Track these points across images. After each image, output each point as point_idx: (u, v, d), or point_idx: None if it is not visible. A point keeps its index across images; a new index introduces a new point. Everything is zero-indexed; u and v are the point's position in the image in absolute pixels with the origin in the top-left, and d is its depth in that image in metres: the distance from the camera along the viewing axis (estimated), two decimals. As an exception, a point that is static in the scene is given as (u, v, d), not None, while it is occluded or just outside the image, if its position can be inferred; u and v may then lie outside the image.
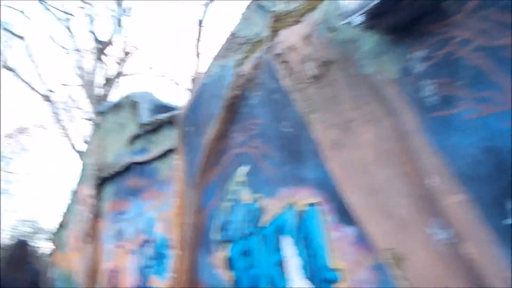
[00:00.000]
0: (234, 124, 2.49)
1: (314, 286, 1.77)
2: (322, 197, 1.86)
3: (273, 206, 2.07)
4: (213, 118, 2.64)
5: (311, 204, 1.85)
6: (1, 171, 22.18)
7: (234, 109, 2.52)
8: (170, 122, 4.17)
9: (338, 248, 1.78)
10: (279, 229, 2.00)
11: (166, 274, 3.78)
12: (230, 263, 2.36)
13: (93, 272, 5.69)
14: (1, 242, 24.10)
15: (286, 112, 2.11)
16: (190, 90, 12.64)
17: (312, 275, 1.75)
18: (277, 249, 1.99)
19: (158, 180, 4.30)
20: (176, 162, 3.19)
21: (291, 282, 1.85)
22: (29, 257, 4.78)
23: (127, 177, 5.14)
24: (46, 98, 14.92)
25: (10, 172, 22.89)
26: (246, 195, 2.29)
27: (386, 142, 1.67)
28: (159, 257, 3.97)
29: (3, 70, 17.79)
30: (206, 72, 3.18)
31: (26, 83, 16.05)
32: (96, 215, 6.01)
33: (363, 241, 1.73)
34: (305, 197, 1.91)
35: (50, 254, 15.23)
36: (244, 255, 2.23)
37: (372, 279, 1.66)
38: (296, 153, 1.98)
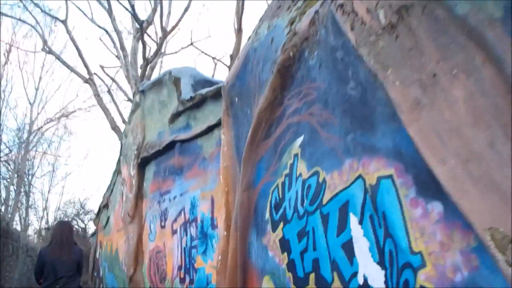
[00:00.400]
0: (288, 90, 2.23)
1: (390, 272, 1.50)
2: (398, 168, 1.57)
3: (336, 181, 1.81)
4: (263, 85, 2.39)
5: (384, 177, 1.57)
6: (47, 154, 23.15)
7: (288, 73, 2.25)
8: (214, 97, 3.97)
9: (419, 227, 1.50)
10: (344, 207, 1.74)
11: (212, 254, 3.64)
12: (285, 245, 2.13)
13: (136, 253, 5.69)
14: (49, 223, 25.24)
15: (352, 71, 1.83)
16: (229, 67, 12.44)
17: (387, 260, 1.49)
18: (342, 230, 1.74)
19: (202, 157, 4.14)
20: (222, 137, 2.97)
21: (360, 268, 1.60)
22: (73, 238, 4.85)
23: (170, 156, 5.03)
24: (88, 81, 15.22)
25: (56, 156, 23.85)
26: (303, 169, 2.04)
27: (485, 98, 1.37)
28: (204, 237, 3.84)
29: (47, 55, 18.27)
30: (252, 37, 2.92)
31: (68, 66, 16.46)
32: (139, 195, 5.98)
33: (452, 219, 1.44)
34: (376, 169, 1.63)
35: (94, 235, 15.77)
36: (300, 236, 1.99)
37: (465, 265, 1.38)
38: (364, 119, 1.70)
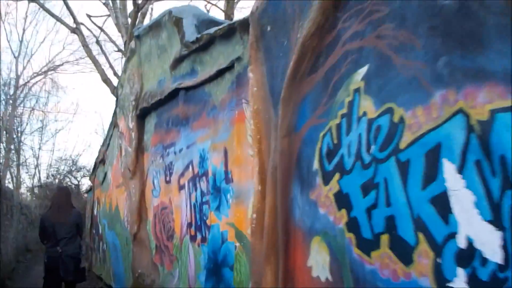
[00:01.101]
0: (344, 9, 1.84)
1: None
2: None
3: (420, 119, 1.49)
4: (307, 7, 1.99)
5: (501, 109, 1.24)
6: (36, 110, 22.63)
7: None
8: (224, 36, 3.59)
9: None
10: (433, 151, 1.42)
11: (227, 211, 3.42)
12: (342, 201, 1.83)
13: (139, 209, 5.50)
14: (41, 181, 25.16)
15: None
16: (225, 11, 11.83)
17: (506, 218, 1.18)
18: (430, 180, 1.43)
19: (211, 105, 3.82)
20: (250, 76, 2.60)
21: (461, 227, 1.31)
22: (71, 201, 5.57)
23: (173, 105, 4.71)
24: (75, 30, 14.53)
25: (46, 112, 23.35)
26: (369, 107, 1.71)
27: None
28: (217, 192, 3.60)
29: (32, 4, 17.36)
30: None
31: (53, 15, 15.66)
32: (139, 149, 5.71)
33: None
34: (488, 100, 1.29)
35: (89, 191, 15.69)
36: (366, 189, 1.69)
37: None
38: (467, 35, 1.35)
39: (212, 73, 3.76)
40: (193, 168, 4.16)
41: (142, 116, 5.68)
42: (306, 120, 1.96)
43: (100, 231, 9.33)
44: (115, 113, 7.02)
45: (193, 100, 4.21)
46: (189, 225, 4.16)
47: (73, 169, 30.00)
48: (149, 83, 5.41)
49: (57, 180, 28.81)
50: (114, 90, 13.70)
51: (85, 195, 30.74)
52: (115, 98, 13.69)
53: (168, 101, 4.83)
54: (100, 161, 9.26)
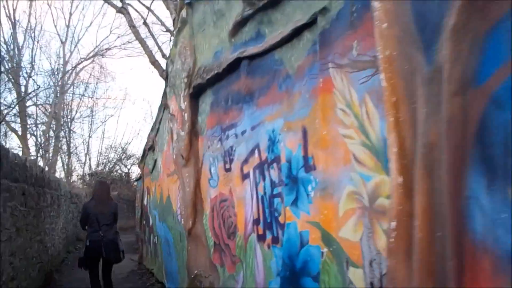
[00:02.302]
0: None
1: None
2: None
3: None
4: None
5: None
6: (85, 97, 23.10)
7: None
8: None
9: None
10: None
11: (308, 206, 2.82)
12: None
13: (194, 202, 5.03)
14: (91, 169, 25.85)
15: None
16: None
17: None
18: None
19: (284, 75, 3.22)
20: (375, 5, 1.84)
21: None
22: (110, 193, 6.66)
23: (233, 79, 4.16)
24: (122, 10, 14.40)
25: (94, 98, 23.81)
26: None
27: None
28: (293, 182, 3.01)
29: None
30: None
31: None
32: (193, 132, 5.23)
33: None
34: None
35: (139, 179, 15.71)
36: None
37: None
38: None
39: (284, 35, 3.14)
40: (259, 154, 3.59)
41: (196, 94, 5.18)
42: (498, 66, 1.23)
43: (151, 223, 9.09)
44: (164, 93, 6.60)
45: (259, 71, 3.62)
46: (256, 221, 3.61)
47: (122, 157, 30.83)
48: (203, 56, 4.89)
49: (107, 168, 29.68)
50: (162, 73, 13.49)
51: (135, 183, 31.52)
52: (164, 80, 13.51)
53: (227, 75, 4.28)
54: (149, 148, 8.96)
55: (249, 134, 3.79)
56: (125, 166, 31.72)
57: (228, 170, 4.29)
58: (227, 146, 4.30)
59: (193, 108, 5.23)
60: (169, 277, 6.60)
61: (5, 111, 15.70)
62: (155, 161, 8.31)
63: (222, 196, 4.43)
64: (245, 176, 3.88)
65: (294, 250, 2.98)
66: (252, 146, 3.72)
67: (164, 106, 6.82)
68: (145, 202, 10.65)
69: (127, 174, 31.98)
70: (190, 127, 5.19)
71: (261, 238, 3.51)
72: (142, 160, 10.63)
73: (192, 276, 4.88)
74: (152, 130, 8.53)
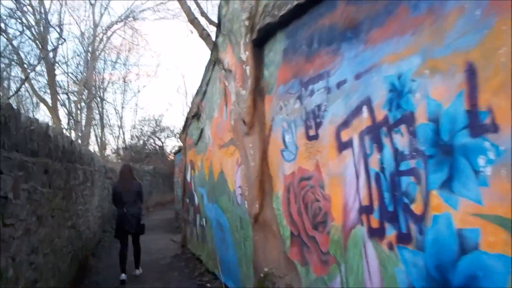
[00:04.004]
0: None
1: None
2: None
3: None
4: None
5: None
6: (117, 64, 22.57)
7: None
8: None
9: None
10: None
11: (478, 191, 1.86)
12: None
13: (261, 180, 4.16)
14: (126, 142, 25.67)
15: None
16: None
17: None
18: None
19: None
20: None
21: None
22: (133, 175, 7.69)
23: (324, 10, 3.18)
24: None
25: (127, 66, 23.28)
26: None
27: None
28: (443, 152, 2.05)
29: None
30: None
31: None
32: (257, 91, 4.31)
33: None
34: None
35: (178, 152, 15.05)
36: None
37: None
38: None
39: None
40: (371, 112, 2.63)
41: (260, 41, 4.24)
42: None
43: (197, 202, 8.37)
44: (215, 46, 5.67)
45: (369, -8, 2.62)
46: (366, 209, 2.68)
47: (156, 129, 30.64)
48: (271, -11, 3.91)
49: (141, 142, 29.57)
50: (203, 32, 12.60)
51: (171, 157, 31.41)
52: (203, 37, 12.54)
53: (311, 6, 3.30)
54: (194, 116, 8.14)
55: (352, 85, 2.82)
56: (159, 139, 31.63)
57: (313, 137, 3.36)
58: (312, 105, 3.36)
59: (257, 58, 4.30)
60: (225, 269, 5.83)
61: (29, 70, 15.28)
62: (201, 130, 7.48)
63: (303, 173, 3.52)
64: (344, 146, 2.94)
65: (447, 257, 2.04)
66: (357, 101, 2.76)
67: (214, 62, 5.92)
68: (188, 178, 9.94)
69: (162, 147, 31.93)
70: (254, 84, 4.27)
71: (376, 233, 2.59)
72: (184, 130, 9.86)
73: (262, 275, 4.05)
74: (197, 94, 7.67)
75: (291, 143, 3.73)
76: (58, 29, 16.04)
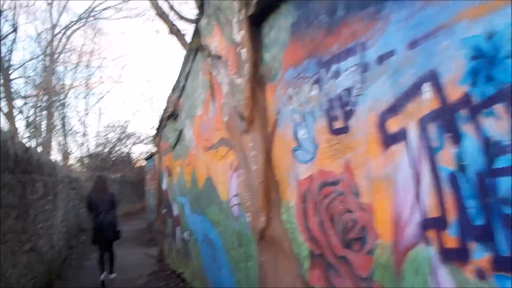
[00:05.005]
0: None
1: None
2: None
3: None
4: None
5: None
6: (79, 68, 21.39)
7: None
8: None
9: None
10: None
11: None
12: None
13: (267, 187, 3.45)
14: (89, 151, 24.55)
15: None
16: None
17: None
18: None
19: None
20: None
21: None
22: (107, 185, 8.46)
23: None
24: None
25: (88, 65, 22.14)
26: None
27: None
28: None
29: None
30: None
31: None
32: (256, 79, 3.61)
33: None
34: None
35: (149, 158, 14.18)
36: None
37: None
38: None
39: None
40: (438, 91, 1.96)
41: (257, 18, 3.54)
42: None
43: (176, 213, 7.58)
44: (196, 31, 4.93)
45: None
46: (433, 223, 2.01)
47: (122, 136, 29.55)
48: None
49: (107, 149, 28.41)
50: (173, 27, 11.82)
51: (138, 164, 30.27)
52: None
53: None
54: (169, 116, 7.36)
55: (404, 58, 2.15)
56: (126, 146, 30.57)
57: (340, 131, 2.68)
58: (337, 89, 2.68)
59: (255, 40, 3.59)
60: (218, 292, 5.08)
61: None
62: (180, 132, 6.72)
63: (326, 176, 2.84)
64: (392, 139, 2.26)
65: None
66: (414, 78, 2.09)
67: (195, 51, 5.17)
68: (163, 186, 9.13)
69: (128, 154, 30.85)
70: (253, 70, 3.56)
71: (454, 256, 1.92)
72: (158, 134, 9.07)
73: (274, 305, 3.34)
74: (173, 91, 6.90)
75: (307, 140, 3.04)
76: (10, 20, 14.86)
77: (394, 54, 2.21)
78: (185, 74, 5.89)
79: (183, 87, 6.10)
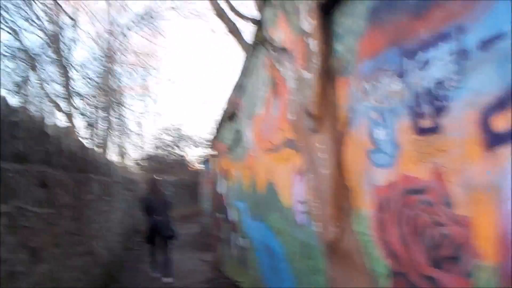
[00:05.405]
0: None
1: None
2: None
3: None
4: None
5: None
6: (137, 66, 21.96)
7: None
8: None
9: None
10: None
11: None
12: None
13: (337, 192, 3.19)
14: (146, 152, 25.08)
15: None
16: None
17: None
18: None
19: None
20: None
21: None
22: (161, 187, 9.15)
23: None
24: None
25: (147, 66, 22.65)
26: None
27: None
28: None
29: None
30: None
31: None
32: (326, 73, 3.35)
33: None
34: None
35: (206, 162, 14.20)
36: None
37: None
38: None
39: None
40: None
41: (329, 5, 3.29)
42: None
43: (232, 218, 7.42)
44: (259, 25, 4.74)
45: None
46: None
47: (177, 139, 30.05)
48: None
49: (162, 152, 28.97)
50: (232, 26, 11.76)
51: (193, 167, 30.69)
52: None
53: None
54: (229, 117, 7.22)
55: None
56: (181, 149, 31.11)
57: (429, 130, 2.37)
58: (425, 82, 2.38)
59: (325, 28, 3.34)
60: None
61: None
62: (238, 133, 6.56)
63: (411, 183, 2.53)
64: (498, 139, 1.94)
65: None
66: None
67: (257, 46, 4.98)
68: (219, 189, 9.03)
69: (183, 157, 31.36)
70: (323, 63, 3.31)
71: None
72: (215, 136, 8.97)
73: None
74: (233, 90, 6.75)
75: (387, 141, 2.75)
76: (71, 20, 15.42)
77: (502, 37, 1.89)
78: (245, 72, 5.72)
79: (243, 86, 5.94)
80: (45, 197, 3.42)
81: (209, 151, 11.78)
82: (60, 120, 17.02)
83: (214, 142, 9.29)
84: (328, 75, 3.32)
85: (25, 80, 15.50)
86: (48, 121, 3.49)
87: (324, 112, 3.31)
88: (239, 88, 6.15)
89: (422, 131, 2.43)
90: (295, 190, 4.07)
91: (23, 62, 15.16)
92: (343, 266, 3.16)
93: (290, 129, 3.92)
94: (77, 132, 17.35)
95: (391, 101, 2.68)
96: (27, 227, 2.95)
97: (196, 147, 31.05)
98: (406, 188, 2.58)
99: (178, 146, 30.81)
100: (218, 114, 8.65)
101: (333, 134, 3.25)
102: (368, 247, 2.94)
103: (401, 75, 2.59)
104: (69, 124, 16.84)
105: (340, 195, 3.17)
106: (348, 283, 3.12)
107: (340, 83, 3.25)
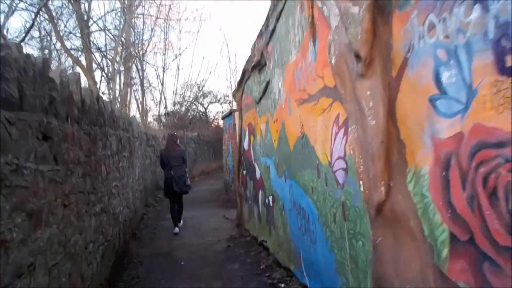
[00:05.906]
0: None
1: None
2: None
3: None
4: None
5: None
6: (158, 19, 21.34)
7: None
8: None
9: None
10: None
11: None
12: None
13: (387, 147, 2.77)
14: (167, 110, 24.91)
15: None
16: None
17: None
18: None
19: None
20: None
21: None
22: (177, 142, 9.54)
23: None
24: None
25: (167, 19, 22.05)
26: None
27: None
28: None
29: None
30: None
31: None
32: (379, 5, 2.88)
33: None
34: None
35: (228, 116, 13.86)
36: None
37: None
38: None
39: None
40: None
41: None
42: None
43: (259, 175, 7.09)
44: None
45: None
46: None
47: (199, 95, 29.75)
48: None
49: (183, 108, 28.75)
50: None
51: (215, 123, 30.45)
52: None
53: None
54: (254, 66, 6.76)
55: None
56: (202, 105, 30.81)
57: (517, 69, 1.91)
58: (516, 8, 1.89)
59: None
60: (311, 270, 4.52)
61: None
62: (267, 83, 6.12)
63: (487, 135, 2.10)
64: None
65: None
66: None
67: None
68: (245, 145, 8.68)
69: (205, 113, 31.12)
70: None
71: None
72: (240, 87, 8.54)
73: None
74: (259, 37, 6.27)
75: (457, 84, 2.29)
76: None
77: None
78: (276, 15, 5.22)
79: (273, 30, 5.45)
80: (48, 152, 3.05)
81: (232, 106, 11.36)
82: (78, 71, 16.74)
83: (238, 95, 8.86)
84: (381, 9, 2.83)
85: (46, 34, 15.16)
86: (45, 59, 3.05)
87: (375, 53, 2.85)
88: (268, 32, 5.66)
89: (507, 71, 1.97)
90: (334, 145, 3.65)
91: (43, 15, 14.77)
92: (392, 231, 2.78)
93: (331, 76, 3.47)
94: (97, 87, 17.09)
95: (466, 35, 2.21)
96: (23, 187, 2.58)
97: (218, 102, 30.74)
98: (481, 141, 2.14)
99: (199, 102, 30.56)
100: (242, 65, 8.19)
101: (385, 78, 2.80)
102: (425, 210, 2.54)
103: (480, 4, 2.11)
104: (89, 80, 16.56)
105: (392, 149, 2.75)
106: (398, 250, 2.74)
107: (396, 19, 2.77)
